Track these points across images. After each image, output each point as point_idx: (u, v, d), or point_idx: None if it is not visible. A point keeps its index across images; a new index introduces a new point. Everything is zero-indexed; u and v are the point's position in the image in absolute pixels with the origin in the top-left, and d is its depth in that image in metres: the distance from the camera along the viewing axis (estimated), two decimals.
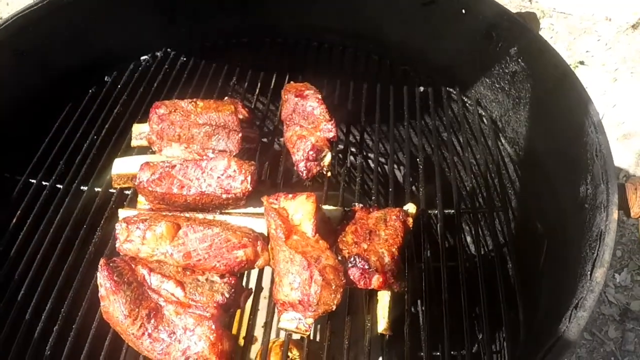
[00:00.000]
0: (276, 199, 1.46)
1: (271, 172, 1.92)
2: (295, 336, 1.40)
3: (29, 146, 1.88)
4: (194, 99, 1.71)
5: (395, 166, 1.92)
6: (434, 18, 2.04)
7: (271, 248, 1.41)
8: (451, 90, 2.14)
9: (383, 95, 2.07)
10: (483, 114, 2.07)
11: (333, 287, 1.30)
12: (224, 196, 1.46)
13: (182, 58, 2.25)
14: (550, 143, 1.76)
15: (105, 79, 2.15)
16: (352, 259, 1.37)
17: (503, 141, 2.00)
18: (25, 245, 1.62)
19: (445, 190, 1.76)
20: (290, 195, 1.45)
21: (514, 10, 1.91)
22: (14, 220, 1.68)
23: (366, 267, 1.36)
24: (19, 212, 1.68)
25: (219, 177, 1.47)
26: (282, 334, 1.86)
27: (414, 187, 2.04)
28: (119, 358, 1.38)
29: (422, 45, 2.14)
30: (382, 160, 2.40)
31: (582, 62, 3.95)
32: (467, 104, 2.10)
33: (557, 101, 1.68)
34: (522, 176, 1.92)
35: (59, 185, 1.76)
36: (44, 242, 1.60)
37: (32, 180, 1.79)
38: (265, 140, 1.97)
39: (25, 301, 1.51)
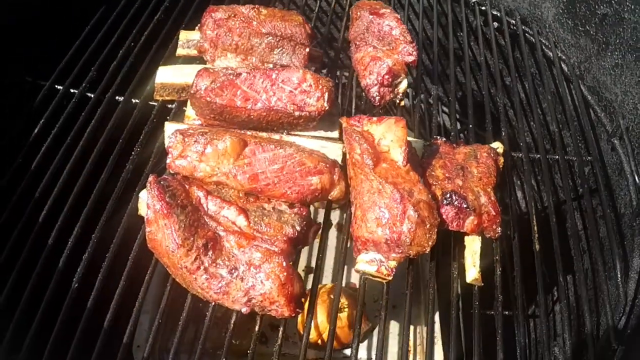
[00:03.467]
0: (358, 121, 1.24)
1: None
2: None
3: (55, 47, 1.60)
4: (256, 5, 1.46)
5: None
6: None
7: (350, 178, 1.20)
8: (527, 29, 1.92)
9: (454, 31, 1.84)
10: (563, 57, 1.84)
11: (427, 226, 1.10)
12: (296, 113, 1.23)
13: None
14: None
15: None
16: (447, 195, 1.17)
17: (583, 89, 1.78)
18: (49, 159, 1.37)
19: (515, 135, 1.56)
20: (375, 118, 1.23)
21: None
22: (36, 131, 1.43)
23: (464, 205, 1.16)
24: (42, 121, 1.43)
25: (291, 92, 1.24)
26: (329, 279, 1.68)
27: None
28: (162, 295, 1.16)
29: None
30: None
31: None
32: (544, 46, 1.88)
33: None
34: (602, 126, 1.71)
35: (89, 94, 1.51)
36: (72, 157, 1.36)
37: (59, 87, 1.52)
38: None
39: (47, 223, 1.27)
